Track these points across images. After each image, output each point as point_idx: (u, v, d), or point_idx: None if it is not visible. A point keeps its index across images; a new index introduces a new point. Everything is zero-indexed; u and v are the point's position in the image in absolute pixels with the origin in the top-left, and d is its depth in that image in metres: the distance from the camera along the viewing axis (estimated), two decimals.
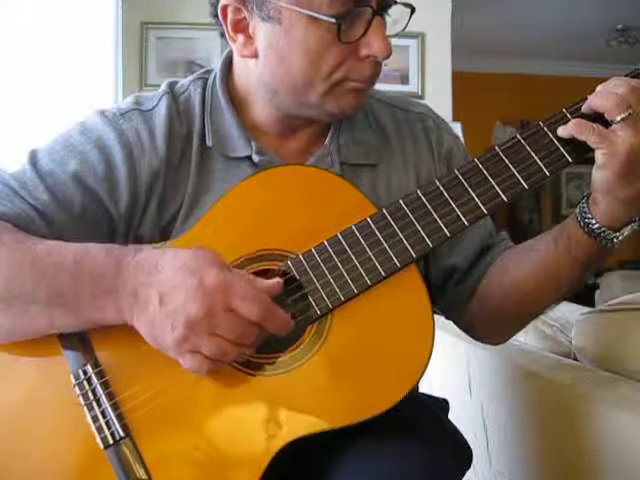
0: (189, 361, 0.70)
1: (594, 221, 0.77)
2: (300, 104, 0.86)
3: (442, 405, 1.04)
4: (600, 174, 0.74)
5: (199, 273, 0.69)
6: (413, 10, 0.84)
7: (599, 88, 0.77)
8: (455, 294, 0.95)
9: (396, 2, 0.83)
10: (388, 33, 0.82)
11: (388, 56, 0.81)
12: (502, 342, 1.01)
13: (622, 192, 0.74)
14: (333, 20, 0.78)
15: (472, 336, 1.00)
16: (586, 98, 0.77)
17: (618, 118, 0.72)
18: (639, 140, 0.72)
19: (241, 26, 0.84)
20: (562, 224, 0.83)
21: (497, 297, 0.91)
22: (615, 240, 0.77)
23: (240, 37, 0.84)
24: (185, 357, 0.70)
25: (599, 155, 0.73)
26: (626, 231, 0.77)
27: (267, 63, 0.84)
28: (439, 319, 0.81)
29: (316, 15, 0.78)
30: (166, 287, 0.70)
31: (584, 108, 0.77)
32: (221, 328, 0.68)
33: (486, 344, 1.03)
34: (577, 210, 0.79)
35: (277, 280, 0.73)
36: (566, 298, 0.91)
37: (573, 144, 0.77)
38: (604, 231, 0.77)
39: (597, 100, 0.74)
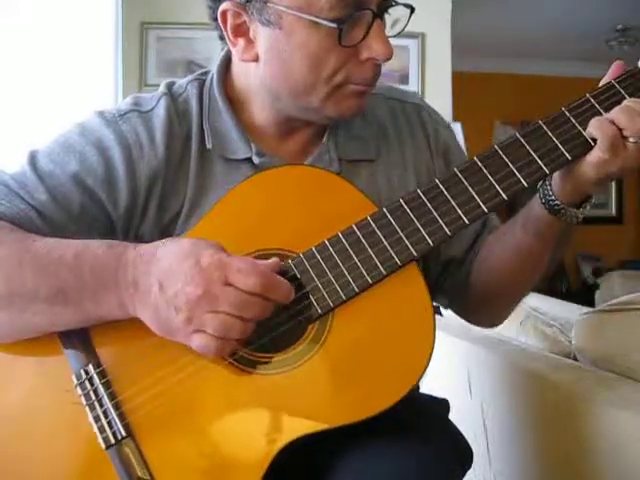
0: (196, 341, 0.70)
1: (559, 202, 0.80)
2: (301, 107, 0.86)
3: (443, 405, 1.04)
4: (587, 169, 0.76)
5: (195, 255, 0.70)
6: (413, 10, 0.84)
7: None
8: (453, 283, 0.98)
9: (396, 3, 0.83)
10: (388, 33, 0.82)
11: (389, 58, 0.81)
12: (497, 325, 1.06)
13: (594, 188, 0.79)
14: (334, 25, 0.78)
15: (468, 321, 1.05)
16: (585, 96, 0.78)
17: (633, 140, 0.74)
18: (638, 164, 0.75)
19: (241, 30, 0.84)
20: (527, 210, 0.86)
21: (481, 284, 0.95)
22: (579, 216, 0.81)
23: (240, 41, 0.84)
24: (192, 338, 0.70)
25: (598, 157, 0.75)
26: (588, 206, 0.82)
27: (268, 67, 0.84)
28: (439, 319, 0.81)
29: (317, 20, 0.78)
30: (165, 273, 0.70)
31: (607, 115, 0.76)
32: (222, 304, 0.69)
33: (483, 328, 1.08)
34: (539, 193, 0.82)
35: (275, 260, 0.74)
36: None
37: (572, 142, 0.77)
38: (567, 209, 0.80)
39: (624, 119, 0.74)
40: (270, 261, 0.74)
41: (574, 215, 0.81)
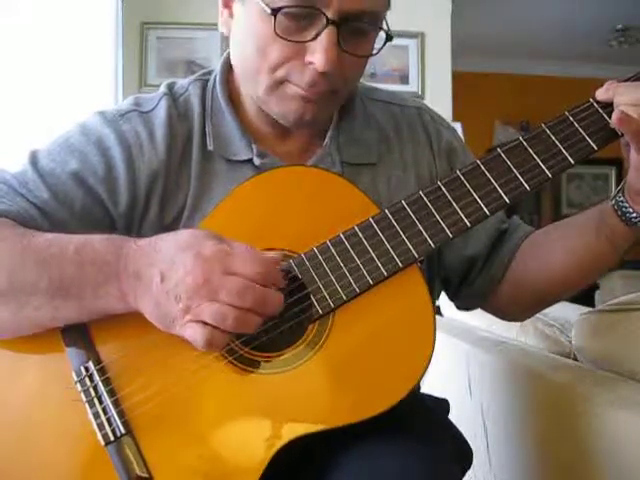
0: (189, 331, 0.69)
1: (635, 214, 0.80)
2: (253, 97, 0.87)
3: (443, 405, 1.04)
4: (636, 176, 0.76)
5: (196, 246, 0.70)
6: (390, 39, 0.82)
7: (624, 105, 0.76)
8: (481, 283, 0.97)
9: (370, 25, 0.81)
10: (354, 52, 0.80)
11: (325, 70, 0.78)
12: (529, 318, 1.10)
13: None
14: (268, 10, 0.77)
15: (501, 317, 1.05)
16: (588, 101, 0.78)
17: None
18: None
19: (229, 2, 0.86)
20: (600, 220, 0.85)
21: (534, 285, 0.94)
22: None
23: (225, 12, 0.87)
24: (186, 328, 0.69)
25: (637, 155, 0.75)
26: None
27: (232, 44, 0.88)
28: (440, 320, 0.81)
29: (262, 5, 0.78)
30: (166, 264, 0.70)
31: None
32: (220, 292, 0.68)
33: (512, 322, 1.11)
34: (614, 204, 0.82)
35: (277, 253, 0.74)
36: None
37: (575, 147, 0.77)
38: None
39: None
40: (272, 254, 0.73)
41: None
